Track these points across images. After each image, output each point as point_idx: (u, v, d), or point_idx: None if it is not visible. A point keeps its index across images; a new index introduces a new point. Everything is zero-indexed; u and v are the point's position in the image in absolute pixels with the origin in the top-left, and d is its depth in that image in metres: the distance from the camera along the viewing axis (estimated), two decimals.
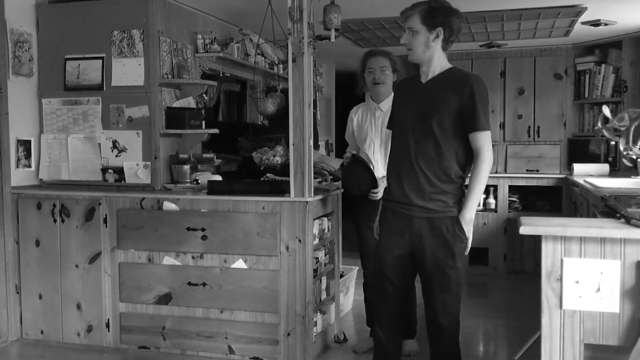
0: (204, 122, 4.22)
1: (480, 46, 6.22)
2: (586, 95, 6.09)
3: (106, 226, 3.88)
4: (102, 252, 3.89)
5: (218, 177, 4.12)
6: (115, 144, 4.09)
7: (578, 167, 5.76)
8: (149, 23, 3.98)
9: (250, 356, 3.68)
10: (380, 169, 3.70)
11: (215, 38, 4.40)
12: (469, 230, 2.73)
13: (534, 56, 6.28)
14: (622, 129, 4.18)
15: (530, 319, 4.06)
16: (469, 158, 2.76)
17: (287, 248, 3.58)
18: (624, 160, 4.67)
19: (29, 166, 4.17)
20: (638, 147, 4.04)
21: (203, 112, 4.25)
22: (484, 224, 6.16)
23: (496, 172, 6.24)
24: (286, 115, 3.57)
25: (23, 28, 4.10)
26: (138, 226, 3.81)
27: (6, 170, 4.02)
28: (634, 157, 4.26)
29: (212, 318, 3.73)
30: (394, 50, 4.05)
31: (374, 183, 3.62)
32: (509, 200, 6.21)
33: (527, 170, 6.28)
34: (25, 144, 4.14)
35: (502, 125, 6.38)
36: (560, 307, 2.17)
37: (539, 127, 6.29)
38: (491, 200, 6.21)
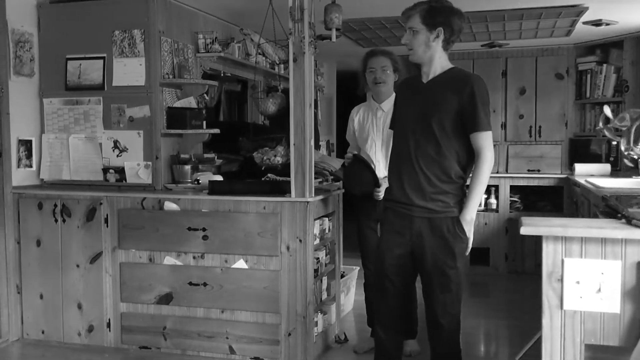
0: (205, 122, 4.22)
1: (482, 46, 6.21)
2: (587, 95, 6.09)
3: (107, 226, 3.88)
4: (103, 252, 3.89)
5: (219, 177, 4.12)
6: (116, 144, 4.09)
7: (579, 167, 5.75)
8: (150, 23, 3.98)
9: (251, 356, 3.68)
10: (381, 169, 3.70)
11: (216, 38, 4.40)
12: (469, 231, 2.73)
13: (535, 56, 6.28)
14: (624, 129, 4.17)
15: (531, 319, 4.05)
16: (470, 158, 2.75)
17: (288, 248, 3.57)
18: (625, 161, 4.65)
19: (30, 166, 4.18)
20: (639, 147, 4.03)
21: (204, 112, 4.25)
22: (485, 224, 6.16)
23: (497, 172, 6.23)
24: (287, 115, 3.57)
25: (24, 28, 4.10)
26: (139, 226, 3.81)
27: (7, 170, 4.03)
28: (635, 157, 4.25)
29: (213, 318, 3.73)
30: (395, 49, 4.05)
31: (376, 183, 3.62)
32: (510, 200, 6.21)
33: (529, 170, 6.28)
34: (26, 144, 4.15)
35: (504, 125, 6.38)
36: (561, 307, 2.17)
37: (540, 127, 6.29)
38: (492, 200, 6.20)
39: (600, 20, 5.04)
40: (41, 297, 4.02)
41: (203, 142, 4.46)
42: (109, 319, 3.92)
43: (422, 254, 2.75)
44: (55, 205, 3.96)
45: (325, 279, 3.97)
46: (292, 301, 3.59)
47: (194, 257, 3.74)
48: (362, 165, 3.64)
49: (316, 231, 3.73)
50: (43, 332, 4.04)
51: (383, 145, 3.74)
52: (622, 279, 2.11)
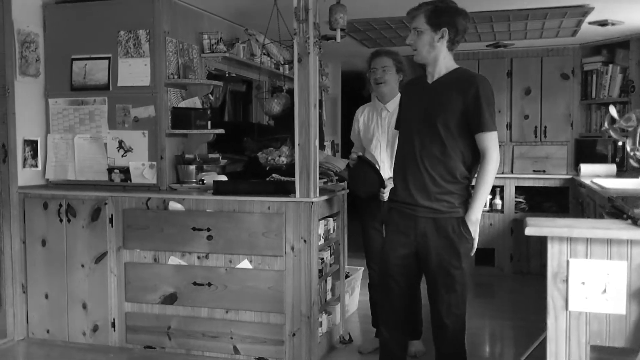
0: (209, 122, 4.22)
1: (487, 46, 6.20)
2: (593, 95, 6.07)
3: (112, 226, 3.89)
4: (108, 252, 3.90)
5: (223, 177, 4.12)
6: (121, 144, 4.10)
7: (585, 168, 5.73)
8: (155, 23, 3.99)
9: (256, 356, 3.68)
10: (386, 170, 3.70)
11: (221, 38, 4.41)
12: (474, 231, 2.72)
13: (540, 56, 6.26)
14: (630, 129, 4.15)
15: (537, 320, 4.04)
16: (476, 159, 2.75)
17: (293, 248, 3.57)
18: (631, 161, 4.62)
19: (36, 166, 4.19)
20: None
21: (209, 112, 4.26)
22: (491, 224, 6.14)
23: (503, 173, 6.22)
24: (292, 116, 3.57)
25: (30, 28, 4.11)
26: (144, 226, 3.81)
27: (13, 170, 4.04)
28: None
29: (218, 318, 3.73)
30: (400, 50, 4.05)
31: (381, 184, 3.61)
32: (515, 201, 6.19)
33: (534, 170, 6.26)
34: (32, 144, 4.16)
35: (509, 126, 6.36)
36: (566, 308, 2.16)
37: (545, 127, 6.27)
38: (497, 200, 6.19)
39: (606, 20, 5.02)
40: (46, 296, 4.03)
41: (208, 142, 4.46)
42: (114, 319, 3.92)
43: (427, 254, 2.75)
44: (61, 205, 3.97)
45: (329, 280, 3.97)
46: (296, 301, 3.59)
47: (198, 257, 3.75)
48: (367, 166, 3.64)
49: (321, 231, 3.72)
50: (48, 332, 4.05)
51: (388, 146, 3.73)
52: (628, 280, 2.10)
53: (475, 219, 2.72)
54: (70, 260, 3.97)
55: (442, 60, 2.77)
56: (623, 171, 5.69)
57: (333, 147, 7.79)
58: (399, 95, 3.49)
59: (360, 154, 3.82)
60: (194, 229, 3.71)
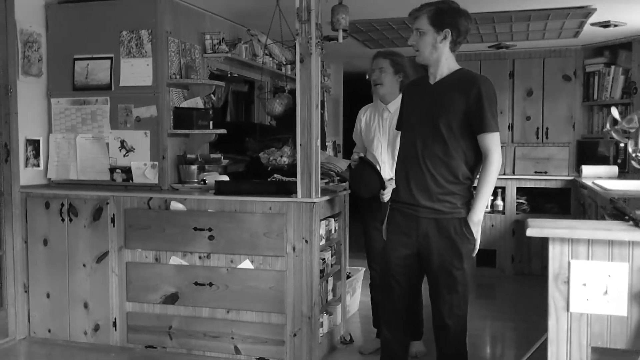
0: (211, 123, 4.22)
1: (489, 47, 6.20)
2: (595, 96, 6.06)
3: (114, 226, 3.89)
4: (109, 252, 3.90)
5: (225, 178, 4.13)
6: (123, 144, 4.10)
7: (587, 169, 5.73)
8: (157, 23, 3.99)
9: (257, 356, 3.68)
10: (387, 171, 3.70)
11: (223, 38, 4.41)
12: (477, 232, 2.72)
13: (542, 57, 6.26)
14: (632, 130, 4.14)
15: (538, 321, 4.04)
16: (478, 159, 2.75)
17: (294, 249, 3.58)
18: (633, 163, 4.61)
19: (38, 165, 4.19)
20: None
21: (211, 112, 4.26)
22: (492, 225, 6.14)
23: (504, 174, 6.21)
24: (294, 116, 3.57)
25: (33, 28, 4.12)
26: (145, 226, 3.82)
27: (15, 169, 4.05)
28: None
29: (219, 318, 3.74)
30: (402, 50, 4.05)
31: (382, 185, 3.62)
32: (516, 202, 6.19)
33: (536, 171, 6.26)
34: (34, 144, 4.16)
35: (511, 127, 6.36)
36: (567, 309, 2.15)
37: (547, 128, 6.27)
38: (499, 202, 6.19)
39: (609, 21, 5.02)
40: (48, 296, 4.04)
41: (210, 143, 4.47)
42: (115, 318, 3.93)
43: (429, 255, 2.75)
44: (62, 205, 3.98)
45: (331, 280, 3.97)
46: (297, 302, 3.59)
47: (199, 257, 3.75)
48: (368, 167, 3.64)
49: (322, 232, 3.72)
50: (50, 331, 4.06)
51: (389, 146, 3.74)
52: (630, 282, 2.10)
53: (478, 219, 2.72)
54: (71, 259, 3.98)
55: (444, 61, 2.77)
56: (625, 173, 5.68)
57: (335, 147, 7.79)
58: (400, 95, 3.48)
59: (362, 154, 3.82)
60: (195, 229, 3.72)
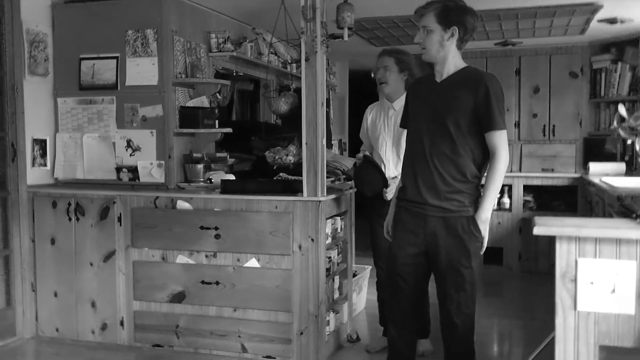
0: (217, 122, 4.23)
1: (495, 44, 6.18)
2: (602, 93, 6.03)
3: (120, 225, 3.90)
4: (116, 251, 3.92)
5: (231, 177, 4.13)
6: (129, 143, 4.11)
7: (594, 167, 5.70)
8: (162, 23, 4.00)
9: (263, 355, 3.69)
10: (391, 169, 3.70)
11: (228, 37, 4.41)
12: (484, 230, 2.71)
13: (549, 54, 6.23)
14: (639, 128, 4.13)
15: (545, 319, 4.03)
16: (485, 157, 2.74)
17: (300, 247, 3.58)
18: None
19: (45, 165, 4.21)
20: None
21: (216, 111, 4.26)
22: (499, 223, 6.13)
23: (511, 172, 6.19)
24: (299, 115, 3.57)
25: (39, 28, 4.13)
26: (152, 225, 3.83)
27: (22, 169, 4.06)
28: None
29: (225, 317, 3.74)
30: (408, 48, 4.04)
31: (384, 183, 3.62)
32: (523, 200, 6.17)
33: (542, 169, 6.24)
34: (40, 143, 4.18)
35: (517, 124, 6.34)
36: (575, 308, 2.15)
37: (554, 126, 6.24)
38: (506, 199, 6.17)
39: (615, 18, 4.99)
40: (55, 295, 4.06)
41: (215, 141, 4.47)
42: (122, 317, 3.94)
43: (437, 254, 2.74)
44: (69, 204, 3.99)
45: (337, 278, 3.97)
46: (304, 300, 3.59)
47: (206, 256, 3.75)
48: (371, 166, 3.65)
49: (328, 230, 3.73)
50: (57, 330, 4.08)
51: (394, 145, 3.73)
52: (637, 280, 2.09)
53: (485, 217, 2.71)
54: (79, 258, 3.99)
55: (451, 59, 2.75)
56: (632, 170, 5.65)
57: (340, 146, 7.79)
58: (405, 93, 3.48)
59: (367, 153, 3.82)
60: (201, 227, 3.72)
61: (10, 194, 4.07)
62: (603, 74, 6.01)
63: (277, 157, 3.98)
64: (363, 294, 4.82)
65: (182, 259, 3.79)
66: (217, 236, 3.70)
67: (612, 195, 3.77)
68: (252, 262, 3.66)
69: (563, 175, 6.11)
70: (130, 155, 4.11)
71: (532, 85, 6.29)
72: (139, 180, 4.08)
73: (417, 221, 2.78)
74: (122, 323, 3.94)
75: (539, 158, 6.27)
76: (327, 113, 4.28)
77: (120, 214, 3.90)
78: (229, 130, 4.29)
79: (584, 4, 4.57)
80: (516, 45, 6.20)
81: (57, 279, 4.04)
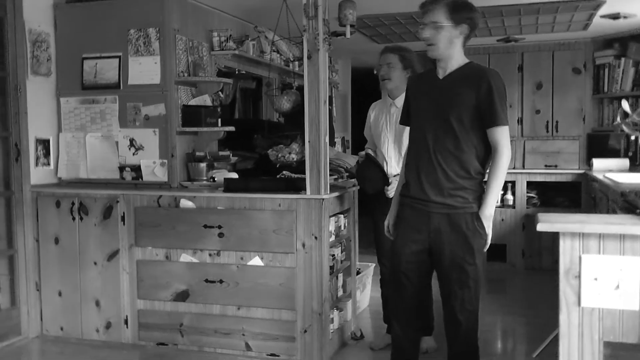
0: (220, 120, 4.23)
1: (498, 41, 6.16)
2: (605, 89, 6.01)
3: (124, 224, 3.91)
4: (120, 250, 3.92)
5: (234, 175, 4.13)
6: (132, 142, 4.12)
7: (597, 163, 5.69)
8: (164, 21, 4.00)
9: (268, 353, 3.69)
10: (393, 166, 3.69)
11: (230, 36, 4.41)
12: (488, 226, 2.71)
13: (552, 50, 6.21)
14: None
15: (549, 316, 4.02)
16: (488, 153, 2.74)
17: (304, 245, 3.58)
18: None
19: (48, 165, 4.22)
20: None
21: (219, 109, 4.27)
22: (502, 220, 6.12)
23: (514, 168, 6.18)
24: (302, 113, 3.57)
25: (41, 28, 4.14)
26: (155, 224, 3.83)
27: (25, 168, 4.07)
28: None
29: (229, 315, 3.75)
30: (410, 45, 4.03)
31: (385, 181, 3.63)
32: (527, 196, 6.16)
33: (546, 165, 6.22)
34: (44, 143, 4.19)
35: (520, 121, 6.33)
36: (579, 304, 2.15)
37: (557, 122, 6.23)
38: (509, 196, 6.16)
39: (618, 13, 4.97)
40: (60, 294, 4.07)
41: (218, 140, 4.48)
42: (127, 316, 3.95)
43: (441, 251, 2.74)
44: (73, 204, 4.00)
45: (340, 276, 3.97)
46: (307, 298, 3.59)
47: (210, 255, 3.76)
48: (372, 165, 3.66)
49: (331, 228, 3.72)
50: (62, 329, 4.09)
51: (396, 142, 3.73)
52: None
53: (489, 214, 2.70)
54: (82, 258, 4.00)
55: (456, 56, 2.74)
56: (636, 165, 5.64)
57: (343, 143, 7.79)
58: None
59: (370, 151, 3.83)
60: (205, 226, 3.73)
61: (14, 194, 4.08)
62: (606, 70, 6.00)
63: (280, 155, 3.98)
64: (367, 292, 4.82)
65: (185, 257, 3.80)
66: (220, 235, 3.70)
67: (616, 191, 3.76)
68: (256, 261, 3.66)
69: (566, 171, 6.10)
70: (133, 154, 4.12)
71: (535, 82, 6.27)
72: (142, 179, 4.09)
73: (420, 218, 2.78)
74: (126, 322, 3.95)
75: (542, 154, 6.25)
76: (330, 111, 4.28)
77: (124, 213, 3.91)
78: (231, 128, 4.29)
79: (586, 0, 4.55)
80: (519, 42, 6.19)
81: (62, 278, 4.05)
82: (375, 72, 3.82)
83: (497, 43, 6.25)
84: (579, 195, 6.01)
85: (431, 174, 2.73)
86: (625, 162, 5.66)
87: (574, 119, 6.19)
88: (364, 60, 7.31)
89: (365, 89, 7.48)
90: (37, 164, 4.15)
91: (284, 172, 3.96)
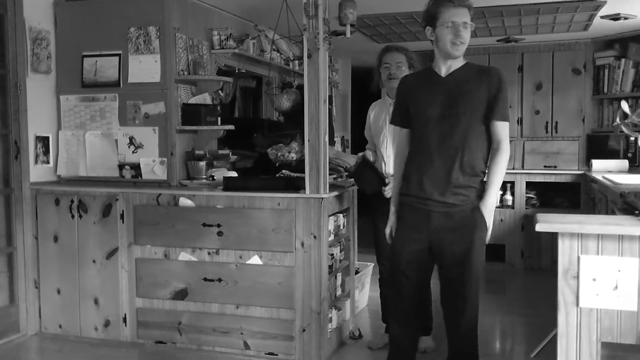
0: (219, 119, 4.23)
1: (498, 41, 6.16)
2: (605, 90, 6.02)
3: (123, 222, 3.91)
4: (119, 248, 3.92)
5: (234, 174, 4.13)
6: (131, 141, 4.12)
7: (597, 163, 5.69)
8: (165, 20, 4.00)
9: (266, 352, 3.69)
10: (391, 165, 3.69)
11: (230, 34, 4.41)
12: (489, 217, 2.71)
13: (552, 51, 6.21)
14: None
15: (547, 316, 4.03)
16: (489, 153, 2.77)
17: (303, 244, 3.58)
18: None
19: (48, 162, 4.22)
20: None
21: (219, 108, 4.26)
22: (501, 220, 6.12)
23: (513, 168, 6.19)
24: (302, 112, 3.57)
25: (41, 26, 4.13)
26: (154, 222, 3.83)
27: (25, 166, 4.07)
28: None
29: (228, 314, 3.75)
30: (410, 45, 4.04)
31: (381, 182, 3.64)
32: (526, 197, 6.16)
33: (545, 166, 6.22)
34: (43, 141, 4.19)
35: (520, 121, 6.33)
36: (577, 305, 2.15)
37: (557, 122, 6.23)
38: (508, 196, 6.16)
39: (619, 14, 4.98)
40: (58, 292, 4.07)
41: (218, 139, 4.47)
42: (125, 314, 3.95)
43: (441, 250, 2.74)
44: (72, 201, 4.00)
45: (339, 275, 3.97)
46: (306, 297, 3.59)
47: (208, 253, 3.76)
48: (367, 167, 3.68)
49: (330, 227, 3.72)
50: (60, 327, 4.09)
51: (394, 142, 3.72)
52: None
53: (491, 204, 2.71)
54: (81, 256, 4.00)
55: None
56: (635, 167, 5.64)
57: (343, 143, 7.79)
58: None
59: (369, 152, 3.84)
60: (204, 225, 3.73)
61: (14, 192, 4.08)
62: (606, 71, 6.00)
63: (279, 154, 3.98)
64: (365, 291, 4.82)
65: (184, 256, 3.80)
66: (219, 233, 3.70)
67: (615, 192, 3.76)
68: (255, 259, 3.67)
69: (566, 172, 6.10)
70: (133, 152, 4.12)
71: (534, 82, 6.27)
72: (141, 177, 4.09)
73: (420, 217, 2.78)
74: (124, 320, 3.95)
75: (542, 155, 6.26)
76: (330, 110, 4.28)
77: (123, 211, 3.91)
78: (231, 127, 4.29)
79: (587, 0, 4.55)
80: (519, 42, 6.19)
81: (60, 276, 4.05)
82: (378, 70, 3.79)
83: (497, 43, 6.25)
84: (578, 196, 6.01)
85: (434, 173, 2.74)
86: (624, 163, 5.66)
87: (574, 120, 6.19)
88: (364, 60, 7.30)
89: (365, 88, 7.48)
90: (36, 162, 4.15)
91: (284, 171, 3.95)
